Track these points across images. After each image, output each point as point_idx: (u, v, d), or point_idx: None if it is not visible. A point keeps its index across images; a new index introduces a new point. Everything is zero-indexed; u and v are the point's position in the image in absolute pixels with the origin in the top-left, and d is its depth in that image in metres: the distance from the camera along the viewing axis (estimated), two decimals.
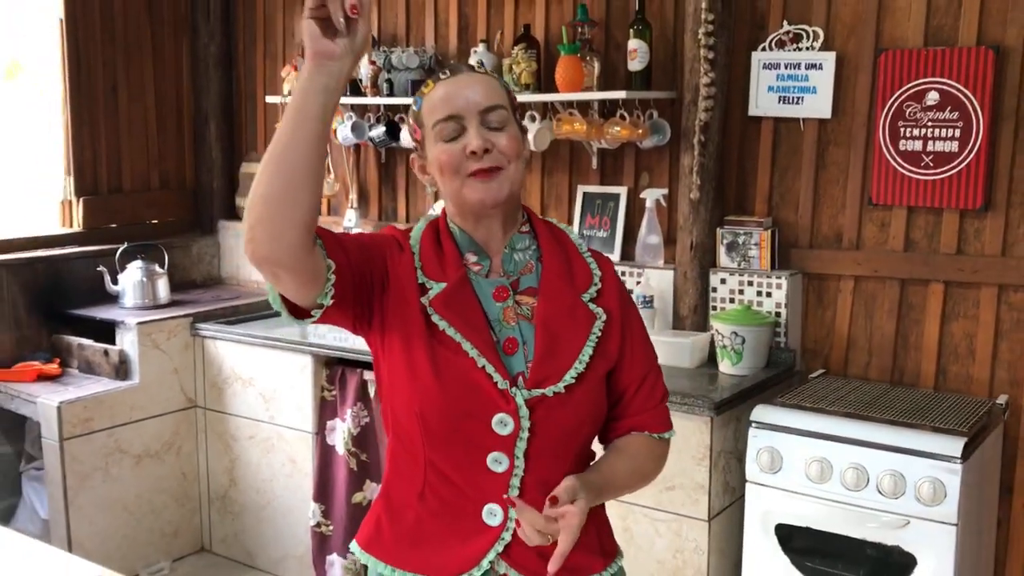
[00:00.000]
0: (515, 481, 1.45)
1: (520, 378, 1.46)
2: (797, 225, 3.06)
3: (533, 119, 3.29)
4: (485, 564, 1.46)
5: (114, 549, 3.57)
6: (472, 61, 3.45)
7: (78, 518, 3.45)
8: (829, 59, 2.92)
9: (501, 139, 1.46)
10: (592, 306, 1.52)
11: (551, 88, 3.28)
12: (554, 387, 1.45)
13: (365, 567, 1.58)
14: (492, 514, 1.46)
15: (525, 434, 1.44)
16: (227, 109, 4.43)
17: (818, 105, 2.96)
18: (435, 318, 1.46)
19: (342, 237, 1.46)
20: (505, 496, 1.44)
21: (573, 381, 1.46)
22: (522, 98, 3.30)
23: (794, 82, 2.99)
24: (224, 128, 4.43)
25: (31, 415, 3.51)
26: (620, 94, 3.08)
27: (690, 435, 2.66)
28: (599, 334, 1.50)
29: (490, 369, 1.43)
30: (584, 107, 3.28)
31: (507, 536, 1.46)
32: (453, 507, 1.48)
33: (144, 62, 4.23)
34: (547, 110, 3.35)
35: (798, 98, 2.99)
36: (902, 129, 2.82)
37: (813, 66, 2.95)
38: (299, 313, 1.44)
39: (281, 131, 1.29)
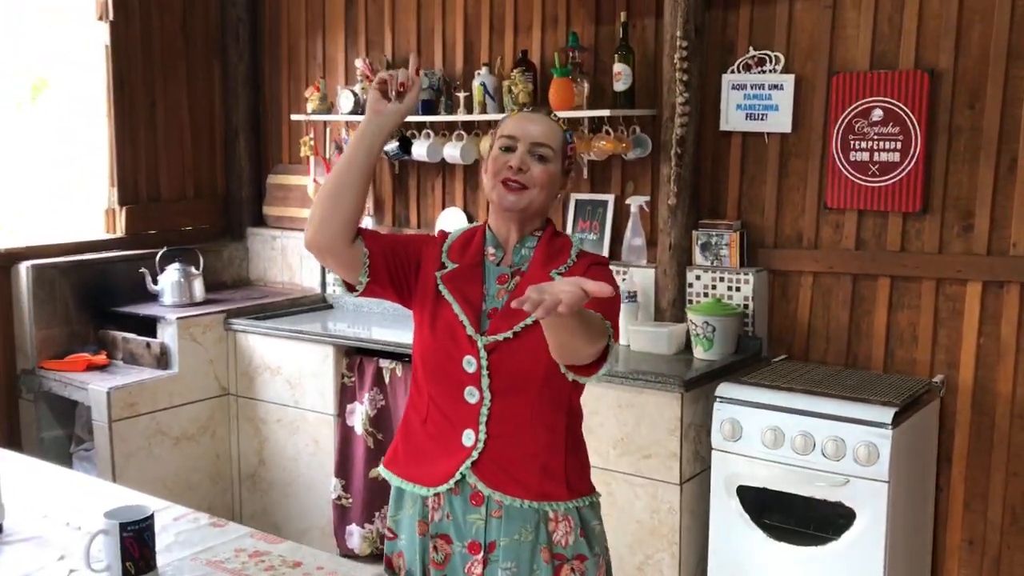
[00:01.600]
0: (484, 410, 1.87)
1: (486, 326, 1.89)
2: (763, 227, 3.45)
3: None
4: (458, 475, 1.87)
5: None
6: (475, 84, 3.87)
7: None
8: (789, 81, 3.31)
9: (537, 168, 1.89)
10: (556, 276, 1.89)
11: (547, 106, 3.68)
12: (504, 333, 1.86)
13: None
14: (467, 437, 1.89)
15: (485, 372, 1.86)
16: (255, 125, 4.85)
17: (780, 121, 3.35)
18: (440, 287, 1.91)
19: (381, 235, 1.96)
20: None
21: (520, 329, 1.85)
22: None
23: (759, 100, 3.38)
24: (252, 142, 4.85)
25: (82, 400, 3.92)
26: (605, 112, 3.49)
27: (664, 409, 3.05)
28: None
29: (465, 321, 1.88)
30: (575, 123, 3.67)
31: (475, 454, 1.87)
32: (443, 430, 1.91)
33: (180, 82, 4.66)
34: None
35: (763, 115, 3.38)
36: (852, 142, 3.21)
37: (775, 87, 3.34)
38: (349, 287, 1.93)
39: (343, 155, 1.86)
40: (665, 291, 3.58)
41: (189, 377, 4.05)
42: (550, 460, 1.94)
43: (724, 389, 3.00)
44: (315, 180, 4.43)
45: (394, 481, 1.98)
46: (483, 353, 1.86)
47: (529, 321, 1.84)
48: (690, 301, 3.52)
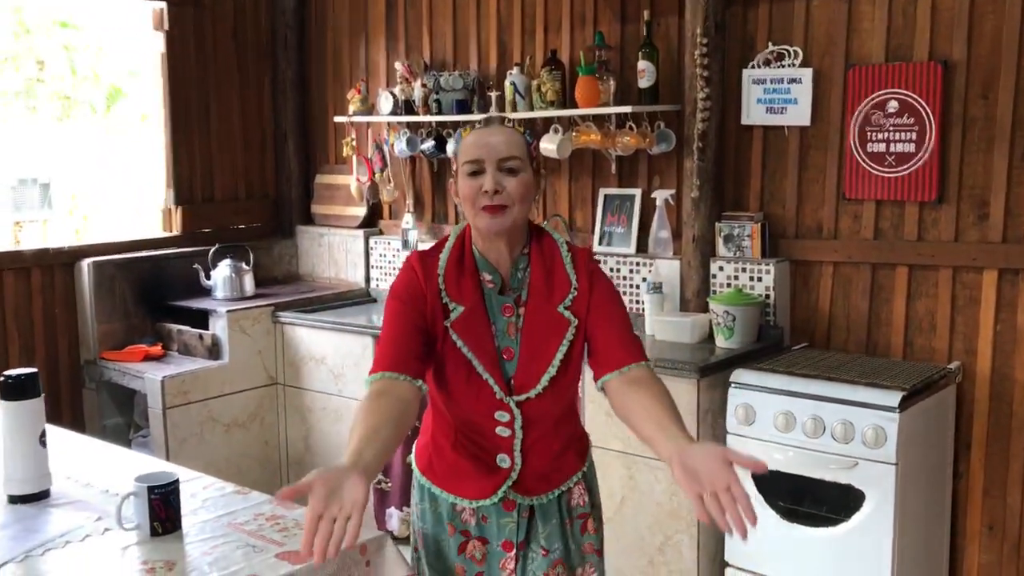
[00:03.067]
0: (516, 444, 1.96)
1: (512, 382, 1.94)
2: (784, 218, 3.52)
3: (557, 131, 3.82)
4: (501, 493, 1.97)
5: None
6: (507, 83, 4.01)
7: None
8: (807, 74, 3.39)
9: (511, 183, 1.85)
10: (566, 313, 1.92)
11: (574, 104, 3.81)
12: (534, 390, 1.92)
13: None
14: (503, 460, 1.97)
15: (519, 419, 1.94)
16: (302, 127, 5.06)
17: (799, 114, 3.42)
18: (454, 337, 1.90)
19: (410, 356, 1.85)
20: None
21: (547, 384, 1.92)
22: (547, 113, 3.85)
23: (779, 95, 3.46)
24: (300, 144, 5.06)
25: (139, 389, 4.17)
26: (627, 108, 3.60)
27: (681, 395, 3.13)
28: (571, 338, 1.94)
29: (491, 382, 1.91)
30: (601, 120, 3.79)
31: (514, 475, 1.97)
32: (475, 455, 1.99)
33: (232, 87, 4.89)
34: (570, 123, 3.87)
35: (782, 108, 3.46)
36: (868, 133, 3.27)
37: (794, 81, 3.42)
38: None
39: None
40: (689, 282, 3.67)
41: (239, 367, 4.27)
42: (576, 445, 2.08)
43: (739, 375, 3.09)
44: (358, 179, 4.61)
45: (434, 490, 2.03)
46: (516, 410, 1.92)
47: (553, 372, 1.90)
48: (714, 291, 3.61)
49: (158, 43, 4.63)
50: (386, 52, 4.67)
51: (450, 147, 4.20)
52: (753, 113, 3.53)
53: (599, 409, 3.32)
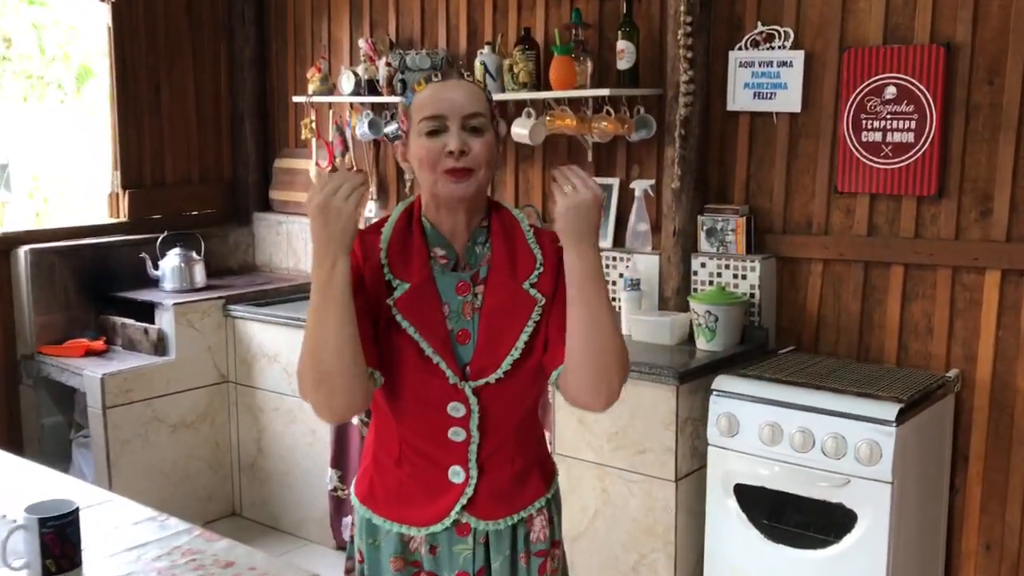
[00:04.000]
0: (472, 448, 1.70)
1: (468, 368, 1.68)
2: (771, 212, 3.28)
3: (530, 115, 3.56)
4: (453, 516, 1.70)
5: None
6: (477, 62, 3.73)
7: (119, 481, 3.80)
8: (798, 57, 3.14)
9: (477, 144, 1.63)
10: (532, 291, 1.68)
11: (548, 86, 3.54)
12: (494, 374, 1.67)
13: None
14: (456, 474, 1.70)
15: (476, 414, 1.68)
16: (261, 108, 4.77)
17: (789, 100, 3.18)
18: (399, 318, 1.65)
19: (368, 335, 1.64)
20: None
21: (509, 367, 1.67)
22: (519, 96, 3.58)
23: (767, 79, 3.21)
24: (258, 125, 4.77)
25: (79, 387, 3.87)
26: (604, 91, 3.34)
27: (659, 402, 2.90)
28: (536, 319, 1.69)
29: (443, 366, 1.65)
30: (577, 104, 3.53)
31: (469, 491, 1.70)
32: (424, 471, 1.72)
33: (185, 64, 4.58)
34: (544, 107, 3.61)
35: (771, 93, 3.21)
36: (864, 121, 3.03)
37: (784, 64, 3.17)
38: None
39: (315, 322, 1.56)
40: (669, 279, 3.42)
41: (187, 364, 3.98)
42: (540, 466, 1.83)
43: (721, 382, 2.85)
44: (317, 163, 4.33)
45: (374, 520, 1.75)
46: (472, 399, 1.66)
47: (516, 355, 1.67)
48: (695, 289, 3.36)
49: (103, 14, 4.32)
50: (350, 29, 4.38)
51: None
52: (740, 98, 3.28)
53: (570, 417, 3.07)
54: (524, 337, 1.67)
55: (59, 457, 4.14)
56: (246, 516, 4.20)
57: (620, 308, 3.47)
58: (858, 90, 3.03)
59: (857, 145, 3.05)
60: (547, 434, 3.15)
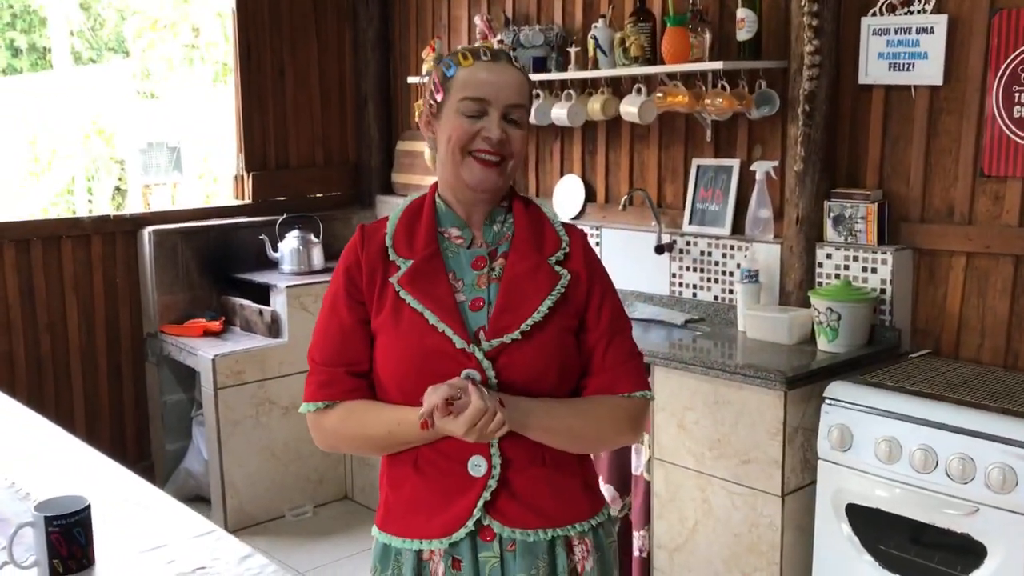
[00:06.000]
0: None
1: (481, 332, 1.56)
2: (907, 198, 2.92)
3: (640, 91, 3.32)
4: (475, 515, 1.54)
5: (263, 490, 3.94)
6: (589, 36, 3.52)
7: (230, 460, 3.84)
8: (941, 22, 2.76)
9: (516, 136, 1.57)
10: (557, 268, 1.61)
11: (662, 60, 3.29)
12: (511, 334, 1.54)
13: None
14: (477, 466, 1.55)
15: (493, 382, 1.53)
16: (384, 90, 4.71)
17: (930, 71, 2.81)
18: (402, 294, 1.56)
19: (363, 368, 1.61)
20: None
21: (529, 328, 1.54)
22: (628, 71, 3.34)
23: (905, 48, 2.85)
24: (382, 108, 4.72)
25: (194, 366, 3.93)
26: (718, 65, 3.05)
27: (765, 409, 2.63)
28: (562, 291, 1.59)
29: (448, 332, 1.53)
30: (692, 79, 3.26)
31: (492, 483, 1.54)
32: (443, 469, 1.57)
33: (309, 47, 4.57)
34: (658, 83, 3.36)
35: (909, 64, 2.85)
36: (1016, 95, 2.63)
37: (924, 30, 2.80)
38: None
39: (381, 429, 1.57)
40: (791, 271, 3.12)
41: (300, 346, 3.95)
42: (585, 475, 1.66)
43: (835, 389, 2.54)
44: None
45: (391, 543, 1.61)
46: (486, 363, 1.53)
47: (538, 317, 1.55)
48: (819, 283, 3.05)
49: (228, 1, 4.35)
50: (468, 6, 4.24)
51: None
52: (873, 70, 2.93)
53: (670, 420, 2.84)
54: (548, 303, 1.57)
55: (181, 434, 4.23)
56: (357, 500, 4.17)
57: (736, 301, 3.20)
58: (1010, 59, 2.63)
59: (1008, 122, 2.65)
60: (637, 446, 2.93)
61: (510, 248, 1.62)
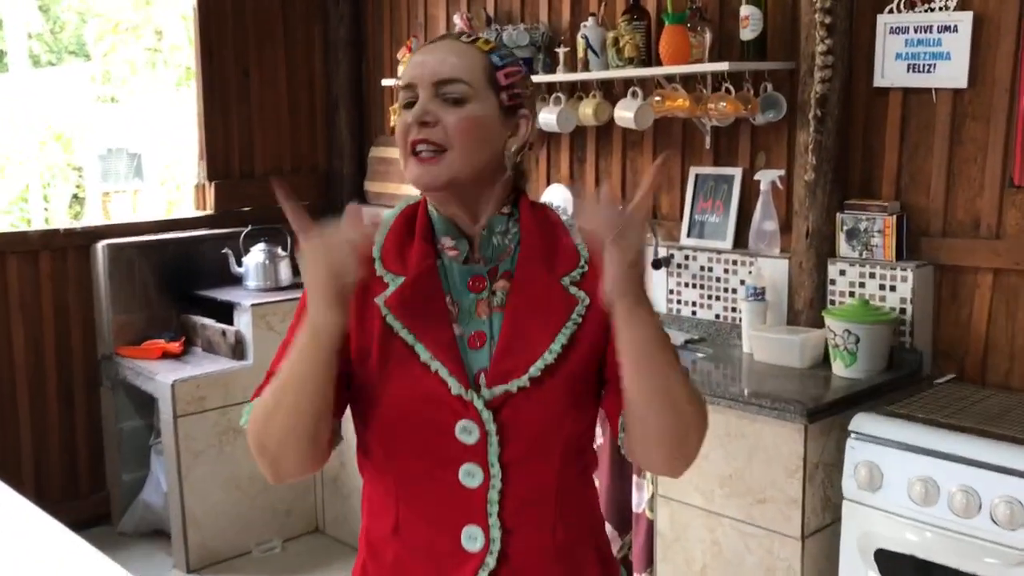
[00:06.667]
0: (493, 495, 1.27)
1: (482, 375, 1.30)
2: (928, 210, 2.70)
3: (636, 95, 3.08)
4: None
5: (228, 525, 3.65)
6: (579, 37, 3.28)
7: (192, 493, 3.55)
8: (966, 20, 2.55)
9: (450, 116, 1.28)
10: (572, 289, 1.32)
11: (658, 61, 3.05)
12: (517, 381, 1.27)
13: None
14: (472, 538, 1.28)
15: (494, 439, 1.26)
16: (356, 93, 4.44)
17: (953, 73, 2.59)
18: (389, 319, 1.29)
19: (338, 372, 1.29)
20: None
21: (539, 373, 1.27)
22: (624, 73, 3.10)
23: (925, 47, 2.63)
24: (353, 112, 4.45)
25: (151, 392, 3.64)
26: (723, 66, 2.82)
27: (782, 443, 2.40)
28: (578, 320, 1.31)
29: (443, 373, 1.27)
30: (692, 81, 3.03)
31: (491, 561, 1.28)
32: (429, 538, 1.30)
33: (276, 47, 4.29)
34: (654, 85, 3.12)
35: (930, 66, 2.63)
36: None
37: (947, 28, 2.59)
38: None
39: (287, 375, 1.26)
40: (800, 288, 2.89)
41: (266, 369, 3.68)
42: (598, 544, 1.40)
43: (861, 422, 2.31)
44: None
45: None
46: (485, 414, 1.26)
47: (550, 359, 1.27)
48: (832, 302, 2.82)
49: None
50: (446, 4, 3.99)
51: None
52: (890, 72, 2.71)
53: None
54: (561, 339, 1.28)
55: (138, 463, 3.94)
56: (329, 534, 3.89)
57: (740, 321, 2.97)
58: None
59: None
60: (638, 481, 2.69)
61: (515, 266, 1.34)
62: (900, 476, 2.21)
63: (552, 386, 1.28)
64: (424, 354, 1.27)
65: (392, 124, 4.00)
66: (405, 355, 1.28)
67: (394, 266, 1.32)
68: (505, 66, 1.33)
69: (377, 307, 1.30)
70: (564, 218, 1.41)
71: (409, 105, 1.31)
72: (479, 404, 1.26)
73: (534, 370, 1.27)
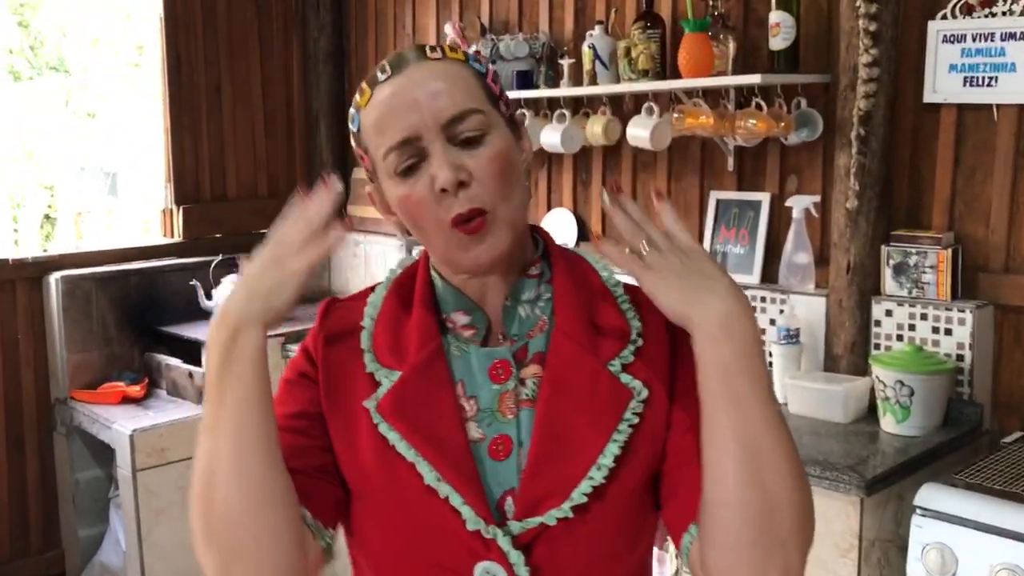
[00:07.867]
0: None
1: (508, 499, 0.96)
2: (988, 243, 2.38)
3: (651, 112, 2.75)
4: None
5: None
6: (584, 47, 2.94)
7: (153, 555, 3.18)
8: None
9: (481, 161, 0.98)
10: (624, 377, 1.00)
11: (676, 73, 2.73)
12: (556, 511, 0.95)
13: None
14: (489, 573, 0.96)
15: None
16: (338, 109, 4.11)
17: (1017, 87, 2.27)
18: (382, 428, 0.98)
19: (310, 476, 1.00)
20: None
21: (585, 498, 0.95)
22: (638, 87, 2.77)
23: (985, 58, 2.32)
24: (335, 130, 4.12)
25: (109, 442, 3.27)
26: (755, 78, 2.50)
27: (833, 518, 2.05)
28: (633, 420, 0.98)
29: (455, 500, 0.95)
30: (716, 96, 2.70)
31: None
32: None
33: (250, 59, 3.96)
34: (670, 101, 2.79)
35: (991, 78, 2.31)
36: None
37: (1011, 36, 2.27)
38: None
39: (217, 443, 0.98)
40: (840, 330, 2.55)
41: None
42: None
43: (928, 496, 1.97)
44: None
45: None
46: (514, 556, 0.95)
47: (599, 478, 0.96)
48: (876, 346, 2.49)
49: (156, 5, 3.72)
50: (437, 11, 3.66)
51: None
52: (943, 86, 2.39)
53: None
54: (613, 448, 0.97)
55: (96, 517, 3.56)
56: None
57: (772, 366, 2.63)
58: None
59: None
60: (659, 554, 2.34)
61: (549, 350, 1.02)
62: (979, 562, 1.87)
63: (601, 514, 0.96)
64: (429, 474, 0.96)
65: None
66: (404, 475, 0.97)
67: (388, 359, 1.01)
68: (486, 71, 1.04)
69: (367, 413, 0.99)
70: (604, 274, 1.08)
71: (410, 169, 0.98)
72: (505, 543, 0.94)
73: (578, 495, 0.95)
